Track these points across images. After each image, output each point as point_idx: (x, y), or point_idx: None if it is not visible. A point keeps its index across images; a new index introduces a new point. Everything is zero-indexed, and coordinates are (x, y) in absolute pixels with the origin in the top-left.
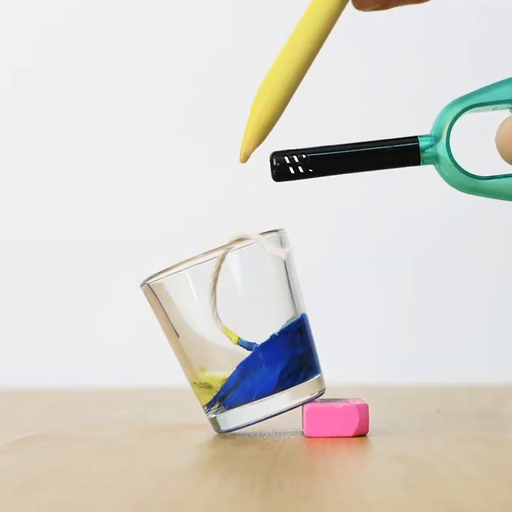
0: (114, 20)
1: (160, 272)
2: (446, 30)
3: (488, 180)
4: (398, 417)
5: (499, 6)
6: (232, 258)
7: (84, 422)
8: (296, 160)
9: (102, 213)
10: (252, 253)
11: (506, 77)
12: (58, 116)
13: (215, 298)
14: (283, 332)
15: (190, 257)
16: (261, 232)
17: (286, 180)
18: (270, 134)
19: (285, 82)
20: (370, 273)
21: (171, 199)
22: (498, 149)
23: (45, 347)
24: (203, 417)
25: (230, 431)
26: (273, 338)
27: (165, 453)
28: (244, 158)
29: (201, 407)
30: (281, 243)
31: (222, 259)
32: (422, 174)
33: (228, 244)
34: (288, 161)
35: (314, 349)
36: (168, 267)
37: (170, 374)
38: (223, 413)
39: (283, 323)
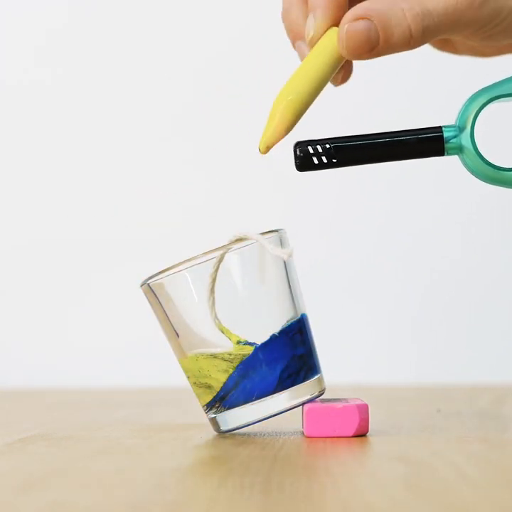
0: (114, 20)
1: (160, 272)
2: None
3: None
4: (398, 417)
5: None
6: (232, 258)
7: (84, 422)
8: (320, 150)
9: (101, 213)
10: (252, 253)
11: None
12: (58, 116)
13: (214, 298)
14: (283, 332)
15: (190, 257)
16: (261, 232)
17: (309, 170)
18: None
19: (316, 76)
20: (370, 273)
21: (171, 199)
22: None
23: (45, 347)
24: (203, 417)
25: (230, 431)
26: (273, 338)
27: (165, 453)
28: (266, 150)
29: (201, 407)
30: (282, 243)
31: (221, 259)
32: (421, 174)
33: (228, 244)
34: (312, 151)
35: (314, 349)
36: (168, 266)
37: (170, 374)
38: (223, 413)
39: (283, 323)
